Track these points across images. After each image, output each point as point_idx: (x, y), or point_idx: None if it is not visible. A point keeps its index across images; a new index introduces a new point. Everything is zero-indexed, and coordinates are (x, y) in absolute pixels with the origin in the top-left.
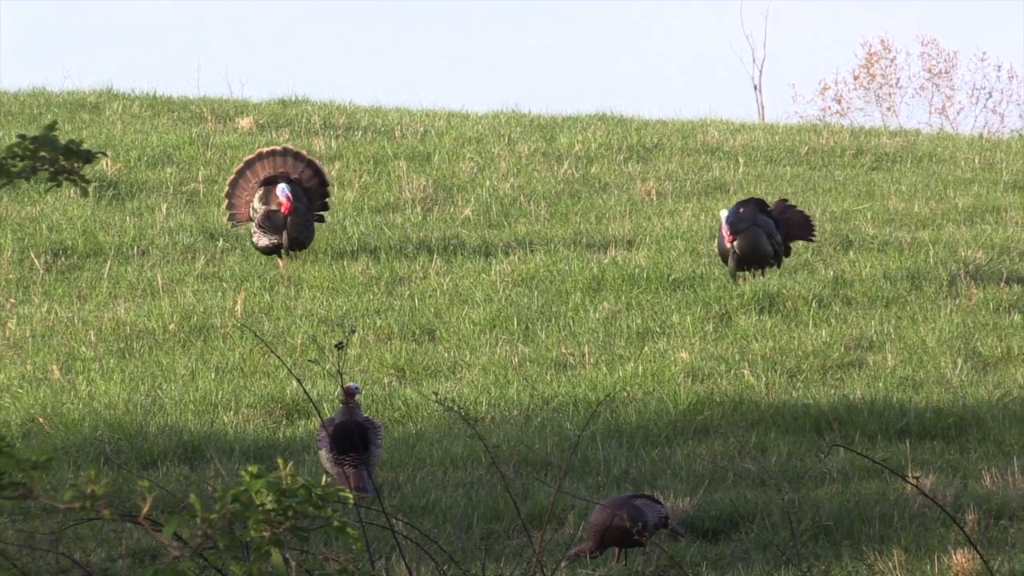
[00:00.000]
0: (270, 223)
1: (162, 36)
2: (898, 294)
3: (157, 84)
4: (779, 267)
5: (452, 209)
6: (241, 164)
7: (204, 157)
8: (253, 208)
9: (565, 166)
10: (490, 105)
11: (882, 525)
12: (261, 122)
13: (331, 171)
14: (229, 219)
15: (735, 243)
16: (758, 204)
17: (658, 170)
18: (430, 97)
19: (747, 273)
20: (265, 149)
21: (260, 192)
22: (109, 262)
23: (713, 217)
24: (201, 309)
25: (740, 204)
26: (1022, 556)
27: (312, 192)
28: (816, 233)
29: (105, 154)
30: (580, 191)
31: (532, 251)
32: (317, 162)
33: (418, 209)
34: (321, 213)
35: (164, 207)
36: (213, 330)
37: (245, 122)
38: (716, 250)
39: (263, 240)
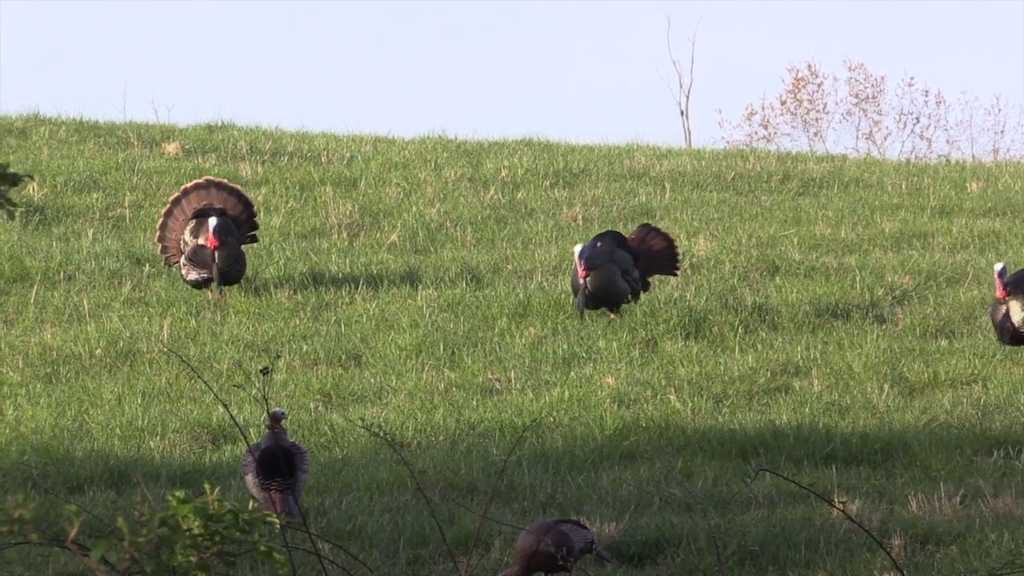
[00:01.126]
0: (199, 258)
1: (88, 61)
2: (824, 319)
3: (84, 109)
4: (636, 302)
5: (378, 235)
6: (168, 204)
7: (131, 182)
8: (184, 241)
9: (491, 191)
10: (416, 130)
11: (808, 550)
12: (187, 147)
13: (257, 196)
14: (165, 262)
15: (588, 279)
16: (615, 238)
17: (584, 195)
18: (356, 122)
19: (599, 310)
20: (189, 184)
21: (191, 225)
22: (35, 287)
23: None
24: (127, 334)
25: (597, 238)
26: None
27: (238, 220)
28: (680, 266)
29: (32, 177)
30: (506, 216)
31: (458, 276)
32: (239, 188)
33: (344, 235)
34: (253, 233)
35: (91, 232)
36: (140, 355)
37: (171, 147)
38: (570, 286)
39: (192, 274)
